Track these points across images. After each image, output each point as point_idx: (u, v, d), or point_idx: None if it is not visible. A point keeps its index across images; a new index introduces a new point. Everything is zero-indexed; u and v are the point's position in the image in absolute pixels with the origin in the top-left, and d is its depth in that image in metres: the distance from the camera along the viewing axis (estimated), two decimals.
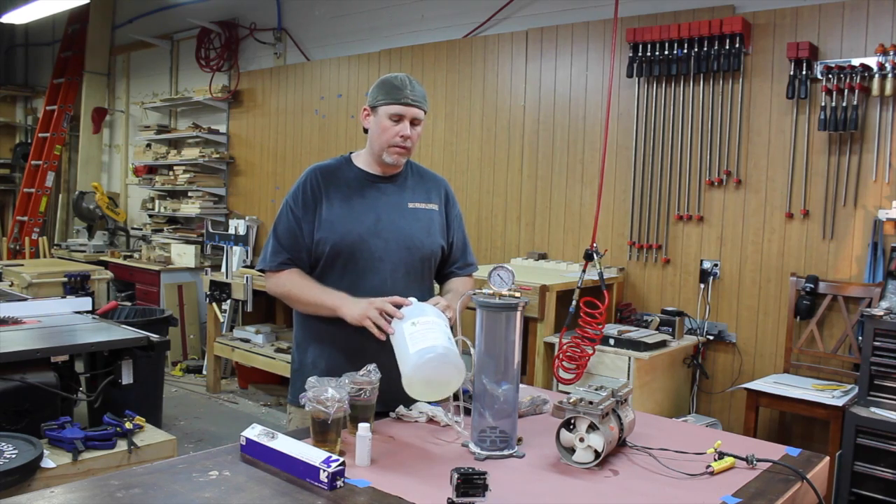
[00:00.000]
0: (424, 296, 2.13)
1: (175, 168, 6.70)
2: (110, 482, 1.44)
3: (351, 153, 2.20)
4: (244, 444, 1.61)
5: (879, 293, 3.32)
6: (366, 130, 2.13)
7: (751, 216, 3.78)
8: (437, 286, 2.30)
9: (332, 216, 2.08)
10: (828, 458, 1.77)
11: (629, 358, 3.46)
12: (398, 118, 2.04)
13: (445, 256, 2.23)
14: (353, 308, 1.93)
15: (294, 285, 2.09)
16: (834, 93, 3.42)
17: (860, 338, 3.22)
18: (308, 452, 1.50)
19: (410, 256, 2.11)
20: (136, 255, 6.70)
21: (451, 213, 2.23)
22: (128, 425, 2.70)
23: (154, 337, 3.16)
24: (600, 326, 3.43)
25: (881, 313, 3.04)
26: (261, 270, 2.19)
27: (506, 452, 1.68)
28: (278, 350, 5.03)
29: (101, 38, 7.89)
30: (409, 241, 2.10)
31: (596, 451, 1.60)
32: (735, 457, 1.64)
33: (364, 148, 2.18)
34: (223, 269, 5.63)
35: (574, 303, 3.64)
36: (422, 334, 1.69)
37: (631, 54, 4.01)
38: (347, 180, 2.13)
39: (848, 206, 3.49)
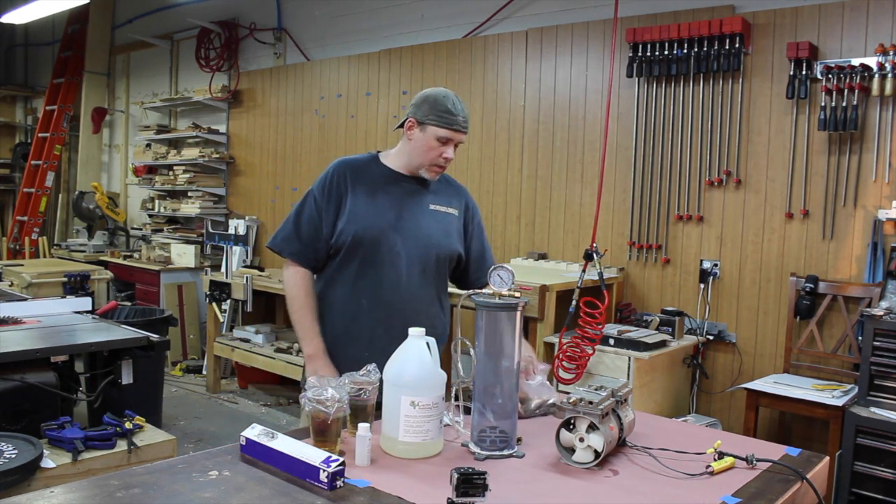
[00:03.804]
0: (440, 296, 2.22)
1: (175, 168, 6.70)
2: (110, 482, 1.44)
3: (379, 152, 2.24)
4: (244, 444, 1.62)
5: (879, 293, 3.32)
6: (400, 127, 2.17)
7: (751, 216, 3.78)
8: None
9: (357, 208, 2.12)
10: (828, 458, 1.77)
11: (629, 358, 3.46)
12: (446, 141, 2.09)
13: (464, 265, 2.28)
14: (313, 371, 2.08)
15: (296, 299, 2.16)
16: (834, 93, 3.42)
17: (860, 338, 3.21)
18: (308, 452, 1.50)
19: (427, 254, 2.16)
20: (135, 255, 6.70)
21: (470, 222, 2.29)
22: (128, 425, 2.70)
23: (154, 337, 3.16)
24: (600, 326, 3.43)
25: (881, 313, 3.03)
26: (269, 247, 2.22)
27: (506, 452, 1.68)
28: (278, 350, 5.02)
29: (101, 38, 7.89)
30: (426, 239, 2.16)
31: (596, 451, 1.60)
32: (735, 457, 1.64)
33: (394, 149, 2.22)
34: (223, 269, 5.63)
35: (574, 303, 3.64)
36: (416, 423, 1.64)
37: (631, 54, 4.01)
38: (373, 176, 2.17)
39: (848, 206, 3.49)
